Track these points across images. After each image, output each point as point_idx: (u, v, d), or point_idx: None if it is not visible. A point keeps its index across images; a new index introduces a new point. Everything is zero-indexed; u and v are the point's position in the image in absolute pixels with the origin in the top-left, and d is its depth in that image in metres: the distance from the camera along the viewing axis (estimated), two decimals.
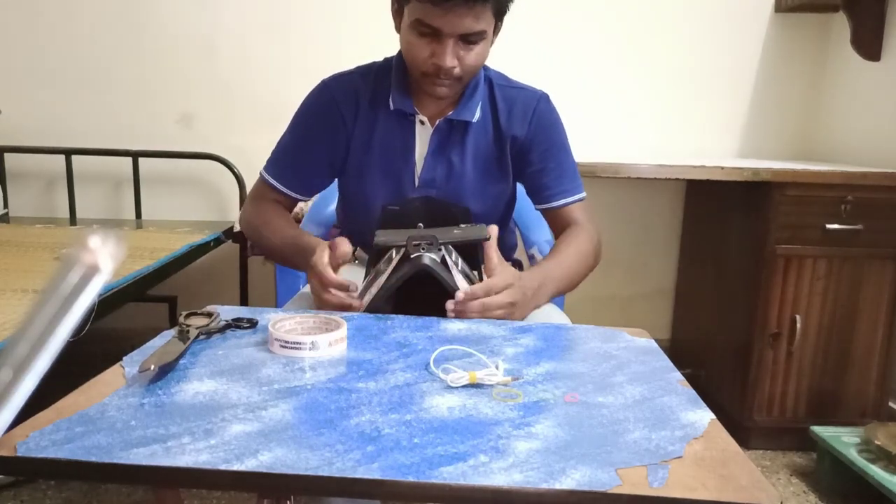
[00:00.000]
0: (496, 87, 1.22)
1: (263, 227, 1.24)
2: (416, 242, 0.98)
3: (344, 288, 1.00)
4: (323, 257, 1.01)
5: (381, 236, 1.02)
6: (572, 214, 1.22)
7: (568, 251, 1.15)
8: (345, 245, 1.01)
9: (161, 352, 0.76)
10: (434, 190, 1.20)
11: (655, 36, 2.33)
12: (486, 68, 1.23)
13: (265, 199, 1.26)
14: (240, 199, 2.32)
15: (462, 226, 1.09)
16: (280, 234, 1.20)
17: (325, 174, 1.26)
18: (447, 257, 1.01)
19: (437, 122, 1.19)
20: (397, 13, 1.14)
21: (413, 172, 1.21)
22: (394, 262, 1.00)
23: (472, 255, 1.07)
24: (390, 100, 1.18)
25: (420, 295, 1.01)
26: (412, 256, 0.98)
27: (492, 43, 1.15)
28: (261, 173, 1.27)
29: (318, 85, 1.24)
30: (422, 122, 1.20)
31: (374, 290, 1.01)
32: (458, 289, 0.97)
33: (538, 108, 1.22)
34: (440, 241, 0.99)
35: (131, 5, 2.30)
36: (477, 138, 1.21)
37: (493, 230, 1.03)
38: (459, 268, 1.02)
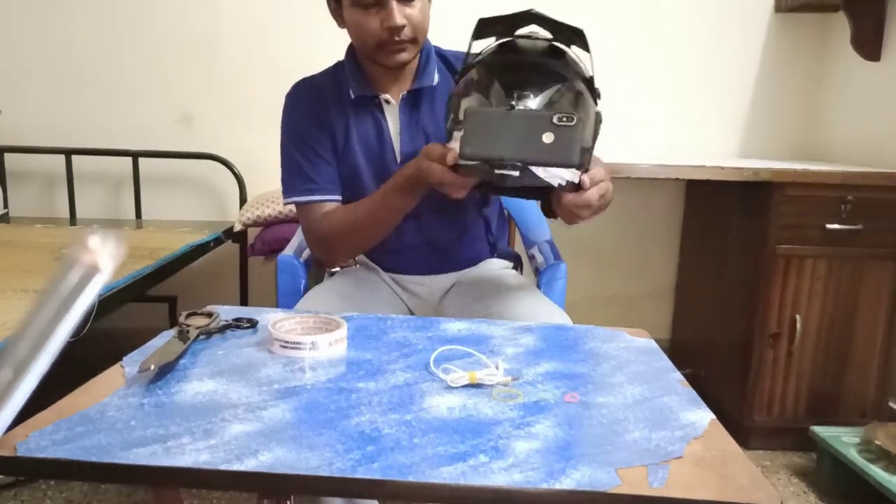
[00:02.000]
0: (450, 57, 1.26)
1: (354, 222, 1.17)
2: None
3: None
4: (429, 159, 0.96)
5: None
6: None
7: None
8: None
9: (161, 352, 0.76)
10: None
11: (655, 36, 2.33)
12: (435, 46, 1.26)
13: (324, 212, 1.20)
14: (240, 199, 2.32)
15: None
16: (364, 205, 1.15)
17: (338, 169, 1.25)
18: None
19: (402, 95, 1.21)
20: (336, 11, 1.18)
21: (393, 151, 1.22)
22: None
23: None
24: (350, 90, 1.21)
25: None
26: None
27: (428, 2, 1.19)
28: (293, 201, 1.22)
29: (285, 101, 1.25)
30: (387, 102, 1.22)
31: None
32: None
33: None
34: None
35: (131, 5, 2.30)
36: (443, 103, 1.21)
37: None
38: None
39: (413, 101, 1.22)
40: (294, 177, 1.21)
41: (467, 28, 1.05)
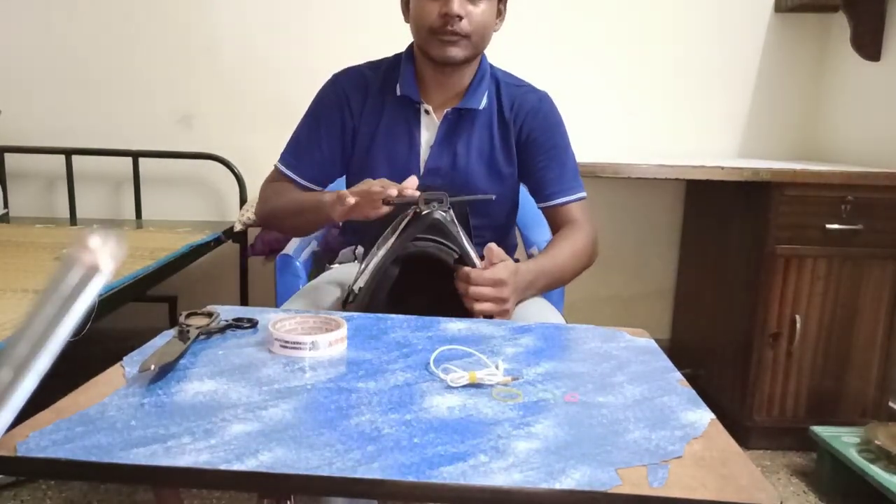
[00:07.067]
0: (502, 84, 1.27)
1: (273, 198, 1.25)
2: (428, 199, 1.04)
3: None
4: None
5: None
6: (571, 213, 1.25)
7: (563, 248, 1.19)
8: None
9: (161, 352, 0.76)
10: (439, 179, 1.23)
11: (655, 36, 2.33)
12: (492, 66, 1.28)
13: (279, 181, 1.28)
14: (240, 199, 2.31)
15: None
16: (291, 195, 1.22)
17: (336, 165, 1.28)
18: (457, 225, 1.06)
19: (446, 111, 1.23)
20: (404, 2, 1.22)
21: (418, 161, 1.24)
22: (405, 222, 1.05)
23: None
24: (398, 86, 1.23)
25: (418, 285, 1.04)
26: (423, 213, 1.03)
27: (497, 21, 1.21)
28: (275, 165, 1.29)
29: (329, 79, 1.28)
30: (427, 112, 1.24)
31: (383, 250, 1.05)
32: (467, 249, 1.03)
33: (542, 109, 1.27)
34: (450, 200, 1.06)
35: (132, 5, 2.30)
36: (482, 129, 1.25)
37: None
38: (464, 238, 1.06)
39: (455, 119, 1.24)
40: (288, 144, 1.29)
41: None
